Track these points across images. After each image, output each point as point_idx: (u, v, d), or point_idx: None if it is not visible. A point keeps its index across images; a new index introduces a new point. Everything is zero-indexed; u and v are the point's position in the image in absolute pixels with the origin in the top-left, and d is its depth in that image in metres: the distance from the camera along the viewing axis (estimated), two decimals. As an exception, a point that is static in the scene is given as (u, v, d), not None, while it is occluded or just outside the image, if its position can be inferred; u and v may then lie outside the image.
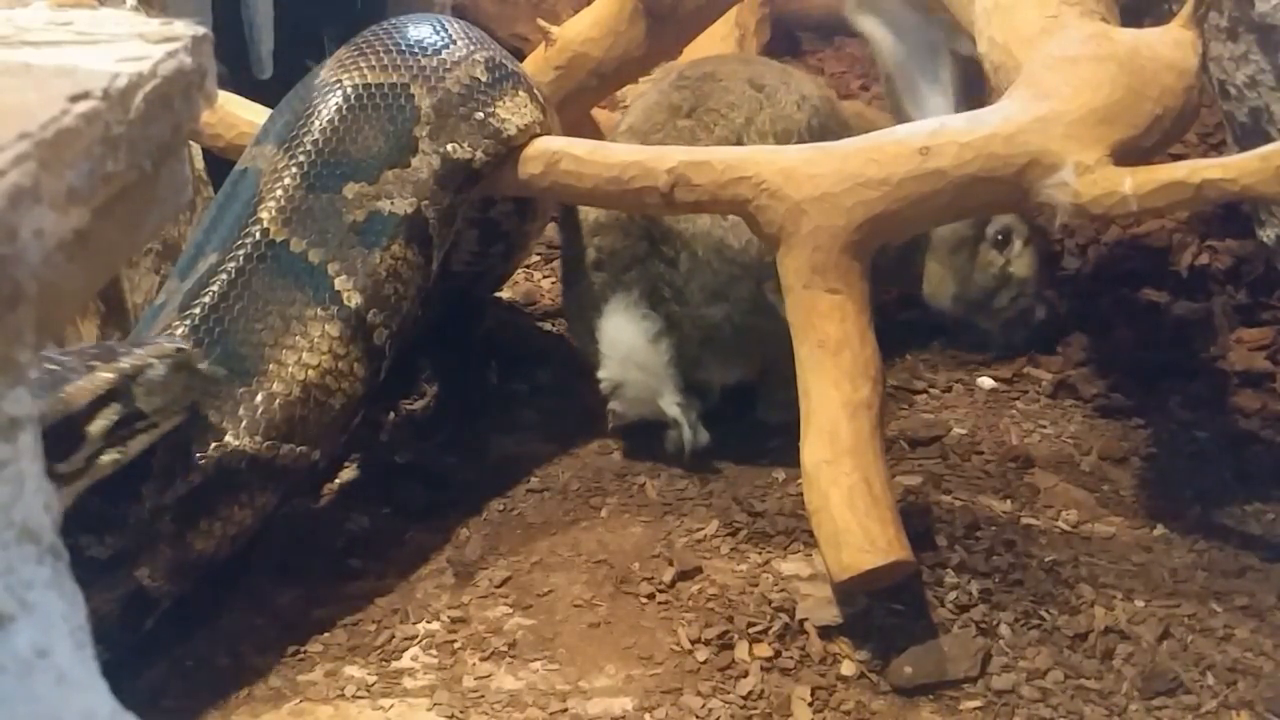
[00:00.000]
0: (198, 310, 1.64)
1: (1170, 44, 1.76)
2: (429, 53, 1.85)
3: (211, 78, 0.99)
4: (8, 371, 0.75)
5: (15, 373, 0.75)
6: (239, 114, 2.05)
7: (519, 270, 2.35)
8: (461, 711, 1.53)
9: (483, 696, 1.55)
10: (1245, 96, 2.00)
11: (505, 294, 2.36)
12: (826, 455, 1.63)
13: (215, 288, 1.65)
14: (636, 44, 2.28)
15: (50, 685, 0.72)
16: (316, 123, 1.78)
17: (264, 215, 1.71)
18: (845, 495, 1.60)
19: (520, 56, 2.51)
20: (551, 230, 2.47)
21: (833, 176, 1.71)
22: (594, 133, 2.36)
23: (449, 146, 1.80)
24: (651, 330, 1.96)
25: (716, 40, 2.79)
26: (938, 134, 1.71)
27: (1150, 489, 1.93)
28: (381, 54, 1.84)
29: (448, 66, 1.85)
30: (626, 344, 1.97)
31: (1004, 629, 1.65)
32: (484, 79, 1.87)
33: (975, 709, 1.55)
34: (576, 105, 2.33)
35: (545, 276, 2.47)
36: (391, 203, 1.75)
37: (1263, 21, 1.89)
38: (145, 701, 1.52)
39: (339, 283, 1.70)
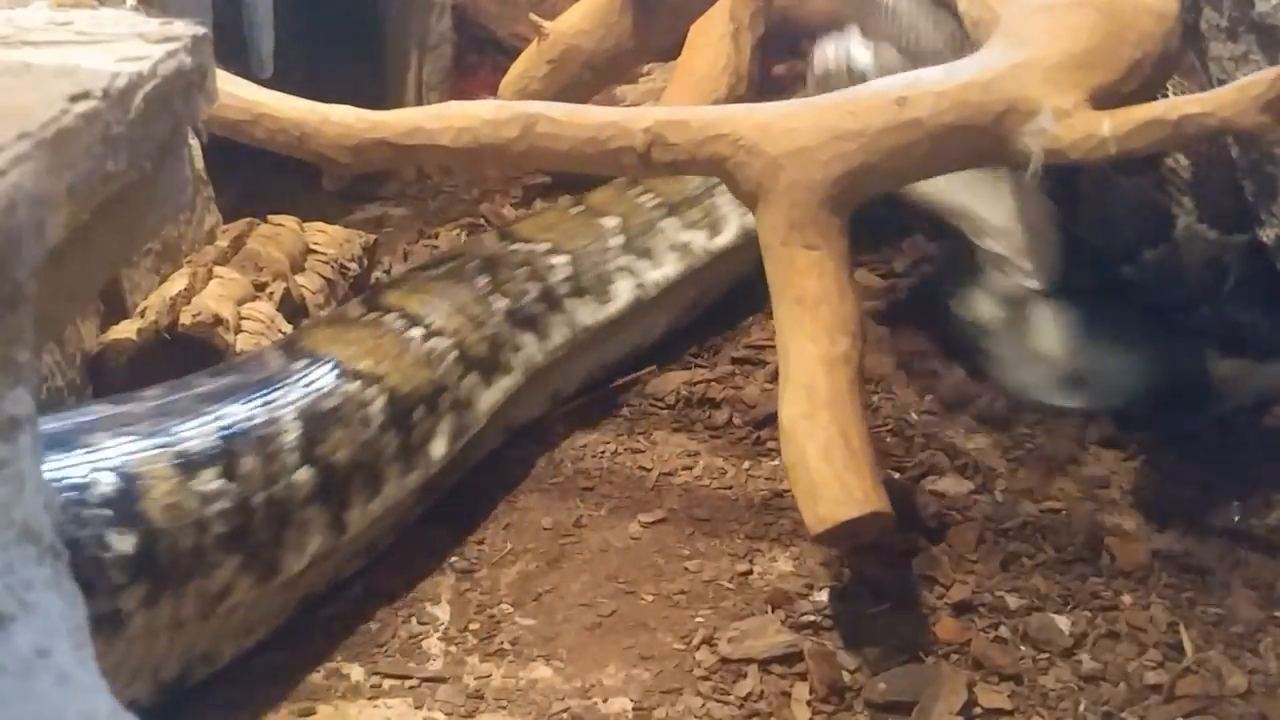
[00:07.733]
0: None
1: (1149, -12, 1.73)
2: None
3: (211, 78, 0.99)
4: (8, 371, 0.75)
5: (15, 373, 0.75)
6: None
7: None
8: (462, 711, 1.53)
9: (483, 696, 1.55)
10: (1245, 96, 1.99)
11: (505, 294, 2.35)
12: (804, 410, 1.60)
13: None
14: (628, 36, 2.28)
15: (50, 685, 0.72)
16: None
17: None
18: (821, 449, 1.57)
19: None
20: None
21: (809, 130, 1.68)
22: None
23: None
24: None
25: (714, 39, 2.78)
26: (914, 85, 1.69)
27: (1150, 489, 1.93)
28: None
29: None
30: None
31: (1004, 630, 1.65)
32: None
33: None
34: (571, 99, 2.33)
35: (545, 276, 2.46)
36: None
37: (1263, 21, 1.88)
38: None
39: None
